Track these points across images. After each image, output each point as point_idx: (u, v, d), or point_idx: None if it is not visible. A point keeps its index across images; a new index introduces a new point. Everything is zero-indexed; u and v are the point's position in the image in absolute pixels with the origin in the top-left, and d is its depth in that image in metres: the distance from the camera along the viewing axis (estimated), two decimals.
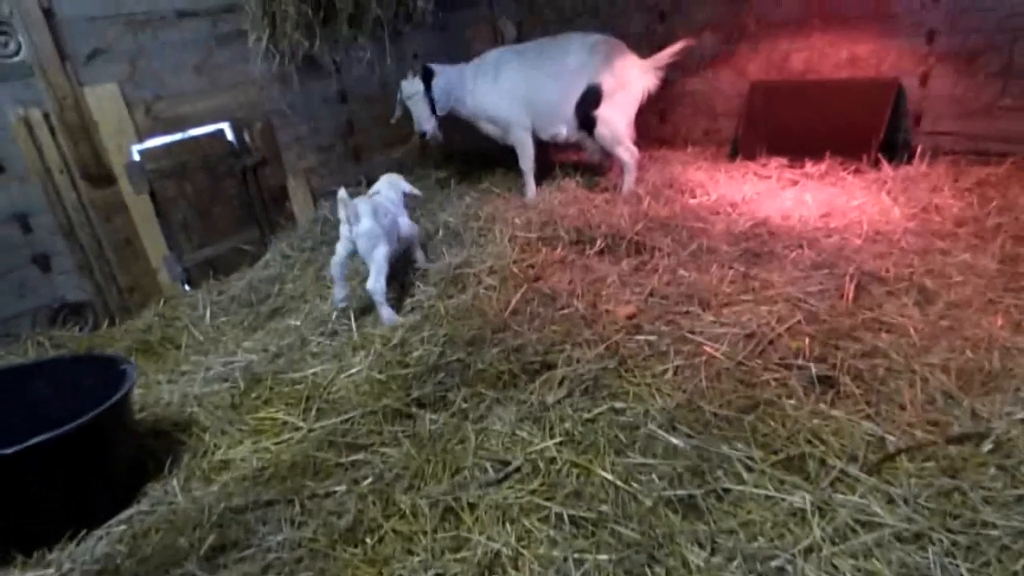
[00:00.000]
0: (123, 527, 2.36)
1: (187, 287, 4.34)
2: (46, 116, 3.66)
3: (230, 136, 4.58)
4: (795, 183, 4.72)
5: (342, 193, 3.33)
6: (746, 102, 5.44)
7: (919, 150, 4.73)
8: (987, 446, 2.24)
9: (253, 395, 3.04)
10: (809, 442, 2.35)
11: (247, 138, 4.64)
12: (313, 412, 2.86)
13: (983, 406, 2.42)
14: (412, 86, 4.80)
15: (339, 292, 3.52)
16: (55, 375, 2.74)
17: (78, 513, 2.37)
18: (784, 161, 5.02)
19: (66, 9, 3.68)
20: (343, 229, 3.40)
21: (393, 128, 5.64)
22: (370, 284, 3.41)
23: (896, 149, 4.87)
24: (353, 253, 3.43)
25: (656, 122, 6.05)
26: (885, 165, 4.63)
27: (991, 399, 2.45)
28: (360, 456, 2.57)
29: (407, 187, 3.93)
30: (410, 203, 3.94)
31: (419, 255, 3.95)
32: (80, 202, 3.83)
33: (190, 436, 2.83)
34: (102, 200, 3.91)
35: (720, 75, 5.66)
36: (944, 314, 3.00)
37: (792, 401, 2.55)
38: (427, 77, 4.82)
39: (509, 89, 4.90)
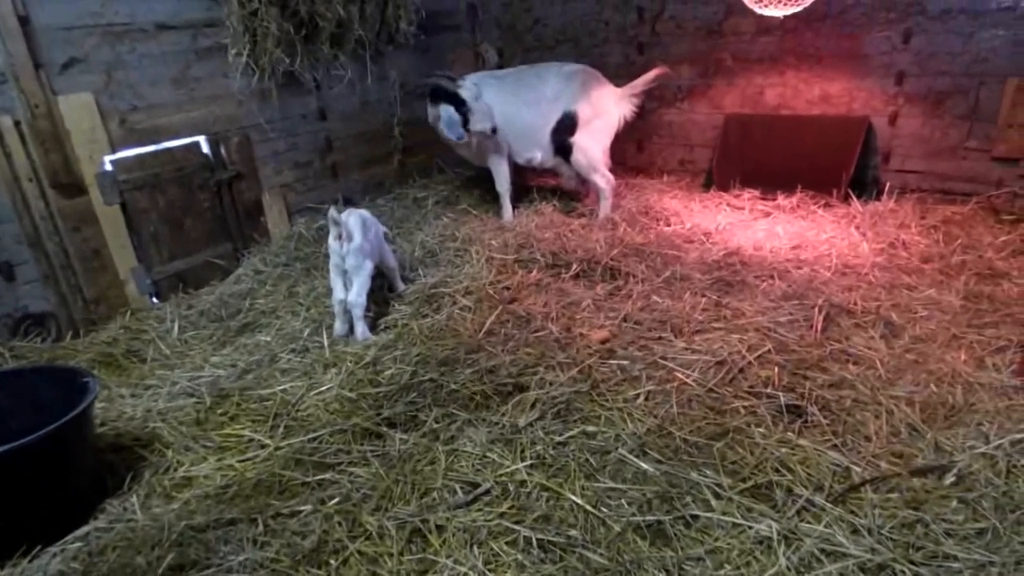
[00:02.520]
0: (79, 544, 2.29)
1: (155, 300, 4.26)
2: (17, 124, 3.60)
3: (206, 149, 4.54)
4: (767, 215, 4.81)
5: (333, 212, 3.37)
6: (721, 134, 5.54)
7: (887, 187, 4.86)
8: (950, 479, 2.29)
9: (219, 411, 2.99)
10: (776, 470, 2.38)
11: (223, 152, 4.60)
12: (280, 430, 2.82)
13: (946, 439, 2.47)
14: (472, 88, 4.57)
15: (339, 325, 3.54)
16: (15, 386, 2.66)
17: (33, 528, 2.30)
18: (757, 193, 5.11)
19: (43, 17, 3.64)
20: (334, 245, 3.42)
21: (372, 147, 5.67)
22: (352, 297, 3.42)
23: (865, 185, 5.01)
24: (344, 271, 3.44)
25: (633, 151, 6.15)
26: (854, 200, 4.74)
27: (954, 433, 2.51)
28: (327, 475, 2.53)
29: (383, 229, 3.94)
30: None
31: (398, 284, 3.97)
32: (48, 211, 3.76)
33: (152, 452, 2.77)
34: (71, 210, 3.85)
35: (696, 107, 5.77)
36: (909, 348, 3.07)
37: (761, 429, 2.58)
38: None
39: None
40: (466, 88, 4.57)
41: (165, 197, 4.28)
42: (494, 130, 4.59)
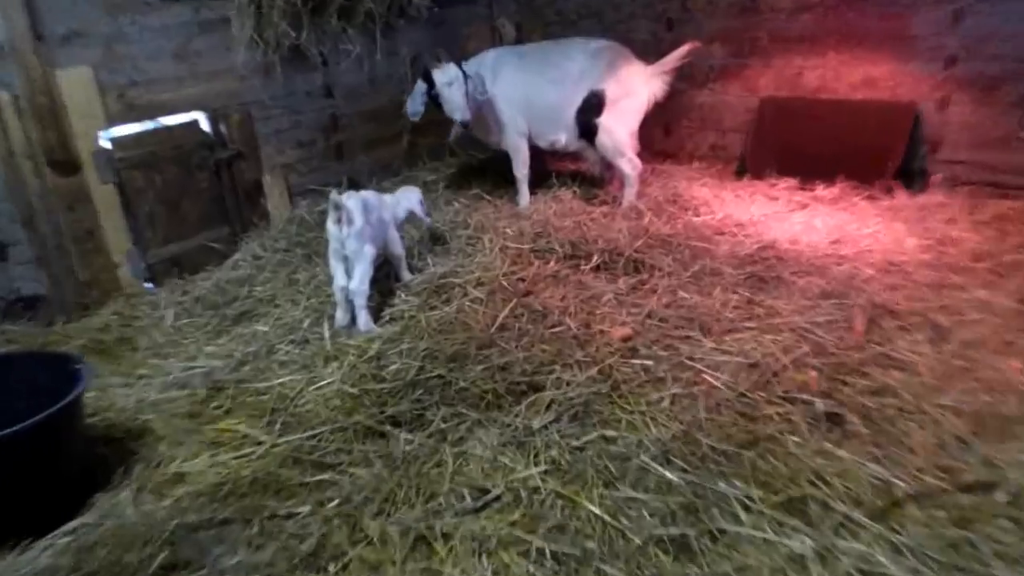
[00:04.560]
0: (68, 539, 2.30)
1: (149, 285, 4.29)
2: (15, 98, 3.62)
3: (205, 127, 4.56)
4: (805, 206, 4.76)
5: (335, 196, 3.37)
6: (756, 118, 5.48)
7: (935, 179, 4.77)
8: (1001, 496, 2.24)
9: (214, 404, 3.00)
10: (812, 483, 2.34)
11: (223, 130, 4.61)
12: (278, 426, 2.82)
13: (998, 453, 2.42)
14: (449, 72, 4.59)
15: (341, 315, 3.54)
16: (4, 371, 2.70)
17: (22, 521, 2.32)
18: (794, 182, 5.05)
19: None
20: (332, 229, 3.41)
21: (380, 126, 5.66)
22: (354, 285, 3.42)
23: (912, 176, 4.92)
24: (344, 257, 3.45)
25: (661, 135, 6.09)
26: (900, 192, 4.67)
27: (1006, 446, 2.45)
28: (327, 476, 2.53)
29: (418, 206, 4.00)
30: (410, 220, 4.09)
31: (404, 274, 3.96)
32: (44, 189, 3.77)
33: (144, 445, 2.78)
34: (66, 188, 3.86)
35: (729, 89, 5.71)
36: (958, 353, 3.01)
37: (795, 438, 2.54)
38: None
39: (507, 92, 4.92)
40: (443, 72, 4.56)
41: (162, 177, 4.30)
42: (465, 124, 4.64)
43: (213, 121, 4.57)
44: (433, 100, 4.65)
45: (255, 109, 4.79)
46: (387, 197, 3.91)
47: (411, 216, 4.03)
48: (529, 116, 4.96)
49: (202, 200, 4.54)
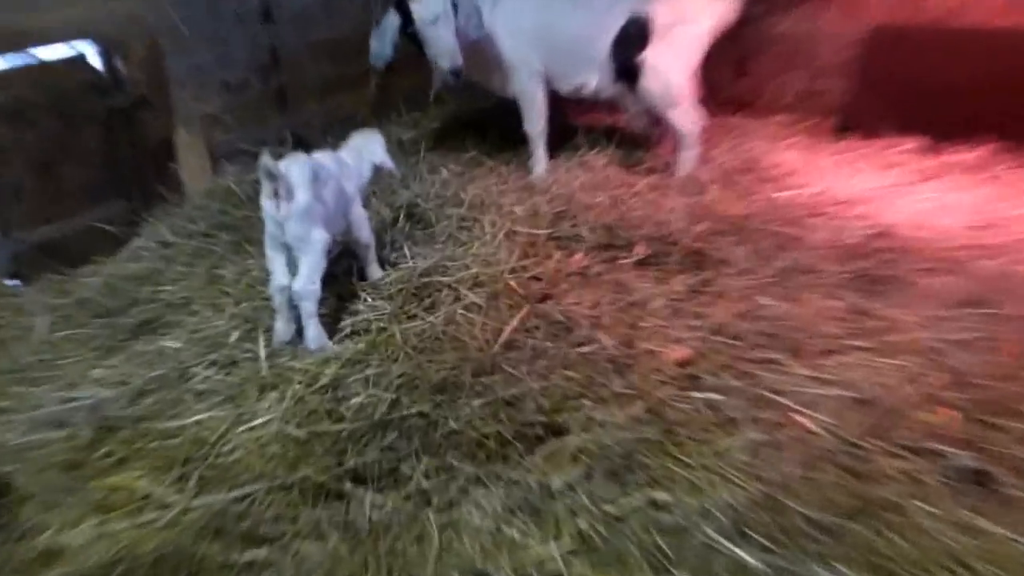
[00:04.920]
0: None
1: (15, 282, 4.30)
2: None
3: (96, 63, 4.58)
4: (933, 177, 4.79)
5: (267, 160, 3.31)
6: (862, 54, 5.52)
7: None
8: None
9: (103, 451, 2.98)
10: (948, 569, 2.32)
11: (121, 67, 4.64)
12: (192, 482, 2.80)
13: None
14: (433, 4, 4.63)
15: (282, 326, 3.54)
16: None
17: None
18: (917, 143, 5.09)
19: None
20: (267, 206, 3.39)
21: (338, 64, 5.68)
22: (299, 284, 3.40)
23: None
24: (285, 246, 3.43)
25: (730, 76, 6.14)
26: None
27: None
28: (261, 552, 2.52)
29: (383, 156, 3.99)
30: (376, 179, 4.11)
31: (372, 269, 3.97)
32: None
33: (4, 508, 2.76)
34: None
35: (824, 14, 5.78)
36: None
37: (925, 505, 2.52)
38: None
39: (513, 19, 4.96)
40: (424, 4, 4.60)
41: (34, 132, 4.32)
42: (456, 74, 4.72)
43: (106, 55, 4.59)
44: (410, 38, 4.71)
45: (165, 39, 4.80)
46: (346, 157, 3.88)
47: (377, 173, 4.02)
48: (545, 53, 4.98)
49: (90, 165, 4.57)
